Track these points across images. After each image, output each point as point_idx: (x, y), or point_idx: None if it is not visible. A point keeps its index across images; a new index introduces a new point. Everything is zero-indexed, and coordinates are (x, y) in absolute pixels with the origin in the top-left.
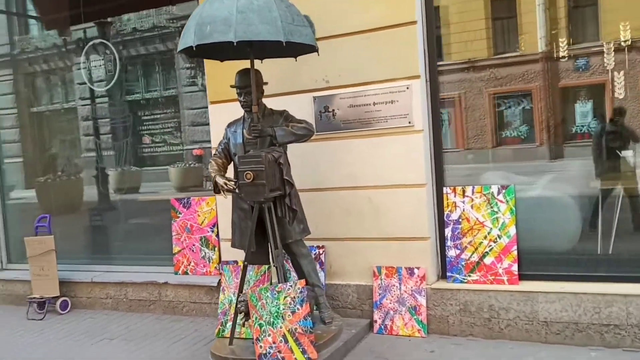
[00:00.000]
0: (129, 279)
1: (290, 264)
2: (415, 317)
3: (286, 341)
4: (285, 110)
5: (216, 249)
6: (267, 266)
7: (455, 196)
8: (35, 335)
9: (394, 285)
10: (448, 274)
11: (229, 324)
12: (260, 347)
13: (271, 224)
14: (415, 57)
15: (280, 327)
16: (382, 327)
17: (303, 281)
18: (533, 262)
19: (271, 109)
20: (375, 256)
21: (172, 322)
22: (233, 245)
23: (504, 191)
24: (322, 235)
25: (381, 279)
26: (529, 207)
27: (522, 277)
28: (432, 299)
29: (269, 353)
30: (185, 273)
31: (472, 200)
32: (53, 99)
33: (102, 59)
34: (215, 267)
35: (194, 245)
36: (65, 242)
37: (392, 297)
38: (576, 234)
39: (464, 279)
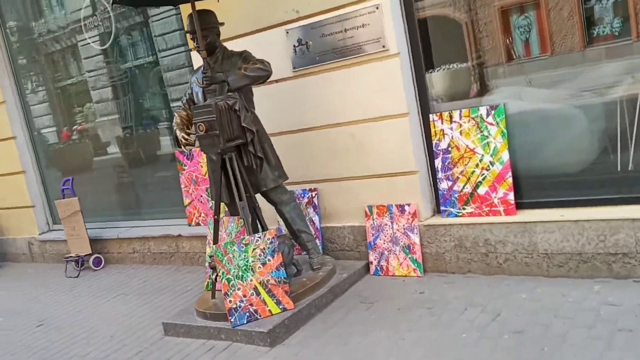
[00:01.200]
0: (149, 233)
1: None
2: (409, 256)
3: (258, 293)
4: (244, 51)
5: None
6: (242, 219)
7: (442, 123)
8: (65, 293)
9: (386, 225)
10: (441, 208)
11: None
12: (230, 301)
13: (234, 174)
14: None
15: (251, 280)
16: (378, 268)
17: (273, 231)
18: (533, 188)
19: (232, 51)
20: (366, 195)
21: (187, 273)
22: (211, 197)
23: (493, 112)
24: (313, 177)
25: (373, 219)
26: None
27: (520, 206)
28: (426, 236)
29: (240, 307)
30: (197, 224)
31: (461, 125)
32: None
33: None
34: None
35: (201, 196)
36: (94, 201)
37: (385, 236)
38: (584, 151)
39: (458, 212)
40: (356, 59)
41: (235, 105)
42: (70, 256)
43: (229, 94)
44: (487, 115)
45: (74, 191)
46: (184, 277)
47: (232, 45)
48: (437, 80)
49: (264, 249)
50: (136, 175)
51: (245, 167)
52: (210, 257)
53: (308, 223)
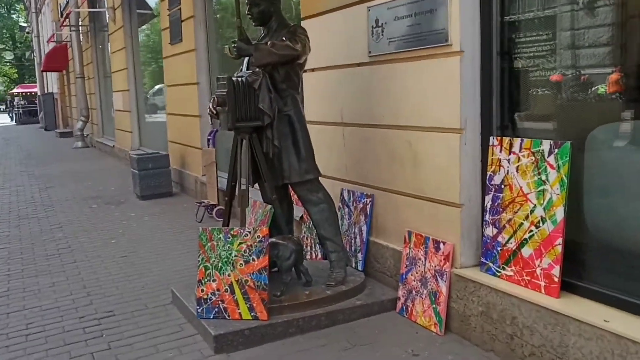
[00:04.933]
0: None
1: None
2: (434, 305)
3: (232, 292)
4: (294, 25)
5: None
6: (269, 206)
7: (501, 151)
8: (176, 235)
9: (419, 259)
10: (482, 259)
11: None
12: (202, 290)
13: (246, 158)
14: None
15: (229, 275)
16: (404, 307)
17: (265, 229)
18: (589, 267)
19: (287, 23)
20: (411, 217)
21: None
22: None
23: (556, 150)
24: (373, 181)
25: (410, 248)
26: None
27: (568, 287)
28: (456, 288)
29: (210, 299)
30: None
31: (519, 159)
32: None
33: None
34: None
35: None
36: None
37: (417, 273)
38: None
39: (498, 270)
40: (418, 52)
41: (255, 84)
42: (202, 202)
43: (256, 69)
44: (550, 153)
45: (215, 143)
46: None
47: (316, 23)
48: (514, 93)
49: (251, 246)
50: None
51: (265, 153)
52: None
53: (339, 231)
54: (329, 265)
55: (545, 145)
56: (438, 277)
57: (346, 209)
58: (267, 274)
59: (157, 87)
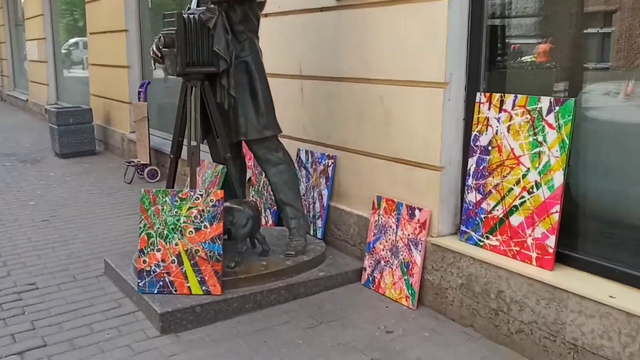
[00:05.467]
0: None
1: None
2: (405, 277)
3: (180, 263)
4: None
5: None
6: (221, 166)
7: (489, 109)
8: (103, 197)
9: (390, 227)
10: (462, 227)
11: None
12: (144, 261)
13: (196, 110)
14: None
15: (176, 244)
16: (370, 279)
17: (220, 192)
18: (588, 238)
19: None
20: (382, 181)
21: None
22: None
23: (557, 108)
24: (335, 142)
25: (379, 214)
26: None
27: (562, 259)
28: (431, 259)
29: (154, 271)
30: None
31: (511, 117)
32: None
33: None
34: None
35: None
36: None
37: (387, 242)
38: None
39: (480, 239)
40: None
41: (210, 22)
42: (132, 161)
43: (211, 6)
44: (549, 111)
45: (146, 96)
46: None
47: None
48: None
49: (203, 211)
50: None
51: (219, 104)
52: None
53: (300, 195)
54: (288, 233)
55: (544, 102)
56: (412, 246)
57: (304, 171)
58: (221, 243)
59: (72, 40)
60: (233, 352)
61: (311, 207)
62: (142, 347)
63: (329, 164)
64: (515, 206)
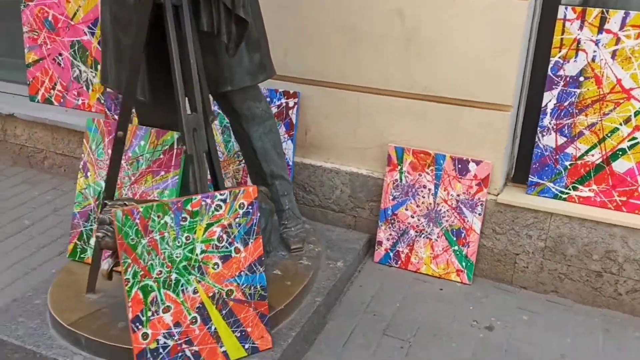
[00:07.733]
0: None
1: (232, 134)
2: (455, 247)
3: (206, 319)
4: None
5: (99, 67)
6: (177, 134)
7: (581, 28)
8: None
9: (424, 186)
10: (530, 178)
11: (93, 239)
12: (145, 335)
13: (177, 44)
14: None
15: (195, 292)
16: (391, 254)
17: (252, 188)
18: None
19: None
20: (398, 125)
21: (23, 182)
22: (103, 82)
23: None
24: (295, 72)
25: (401, 171)
26: None
27: None
28: (493, 222)
29: (165, 346)
30: (48, 101)
31: (618, 40)
32: None
33: None
34: (98, 99)
35: (60, 54)
36: None
37: (418, 205)
38: None
39: (562, 191)
40: None
41: None
42: None
43: None
44: None
45: None
46: (20, 191)
47: None
48: None
49: (230, 225)
50: None
51: (206, 34)
52: (101, 222)
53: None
54: (280, 217)
55: None
56: (464, 209)
57: None
58: (263, 269)
59: None
60: None
61: None
62: None
63: (290, 104)
64: (623, 149)
